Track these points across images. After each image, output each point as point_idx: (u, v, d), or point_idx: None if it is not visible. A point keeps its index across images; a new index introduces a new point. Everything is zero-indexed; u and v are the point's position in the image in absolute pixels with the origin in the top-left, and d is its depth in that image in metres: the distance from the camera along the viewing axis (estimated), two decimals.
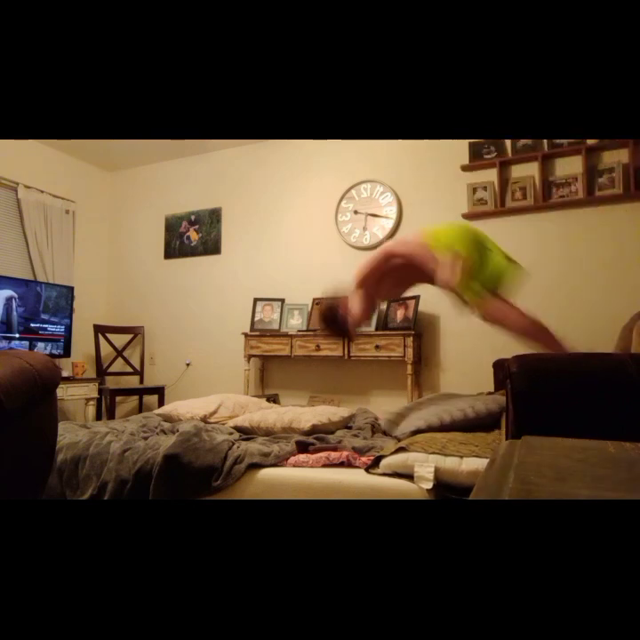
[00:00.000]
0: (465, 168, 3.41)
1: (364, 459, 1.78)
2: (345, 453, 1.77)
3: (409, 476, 1.57)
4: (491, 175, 3.33)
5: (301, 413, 2.23)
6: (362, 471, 1.67)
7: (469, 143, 3.41)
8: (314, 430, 2.13)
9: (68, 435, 1.98)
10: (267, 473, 1.73)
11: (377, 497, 1.56)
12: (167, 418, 2.57)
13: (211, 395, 2.99)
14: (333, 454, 1.78)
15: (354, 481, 1.62)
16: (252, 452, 1.79)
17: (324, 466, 1.74)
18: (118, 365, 4.30)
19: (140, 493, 1.73)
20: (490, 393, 2.46)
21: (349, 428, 2.41)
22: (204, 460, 1.74)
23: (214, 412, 2.56)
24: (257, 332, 3.72)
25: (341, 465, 1.75)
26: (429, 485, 1.52)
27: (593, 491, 0.51)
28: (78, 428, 2.19)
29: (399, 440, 1.93)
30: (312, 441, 1.94)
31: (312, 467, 1.74)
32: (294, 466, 1.76)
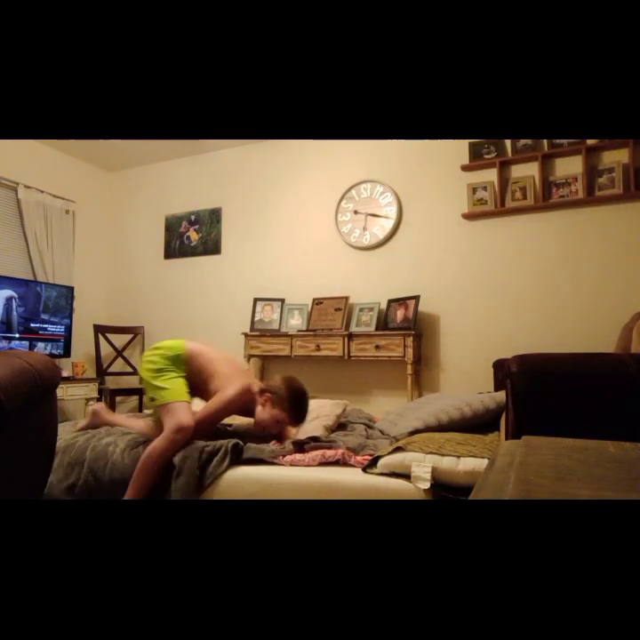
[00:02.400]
0: (465, 168, 3.41)
1: (359, 458, 1.78)
2: (340, 451, 1.78)
3: (406, 476, 1.57)
4: (491, 175, 3.33)
5: (303, 431, 2.23)
6: (359, 471, 1.67)
7: (469, 143, 3.41)
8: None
9: (65, 436, 1.98)
10: (264, 472, 1.73)
11: (374, 497, 1.56)
12: None
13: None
14: (329, 452, 1.79)
15: (351, 480, 1.62)
16: (249, 446, 1.85)
17: (320, 464, 1.75)
18: (118, 365, 4.30)
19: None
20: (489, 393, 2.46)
21: (343, 425, 2.41)
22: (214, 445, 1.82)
23: None
24: (257, 332, 3.72)
25: (337, 463, 1.75)
26: (427, 485, 1.52)
27: (593, 491, 0.51)
28: (72, 427, 2.19)
29: (396, 440, 1.93)
30: (307, 440, 1.95)
31: (308, 465, 1.75)
32: (291, 464, 1.76)
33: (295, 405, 1.96)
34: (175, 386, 1.91)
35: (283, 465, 1.76)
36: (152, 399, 1.91)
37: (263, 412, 1.96)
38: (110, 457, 1.83)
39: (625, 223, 3.01)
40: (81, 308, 4.32)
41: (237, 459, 1.78)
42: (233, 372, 2.01)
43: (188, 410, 1.86)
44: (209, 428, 1.95)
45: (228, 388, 1.91)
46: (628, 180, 2.96)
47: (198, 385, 2.00)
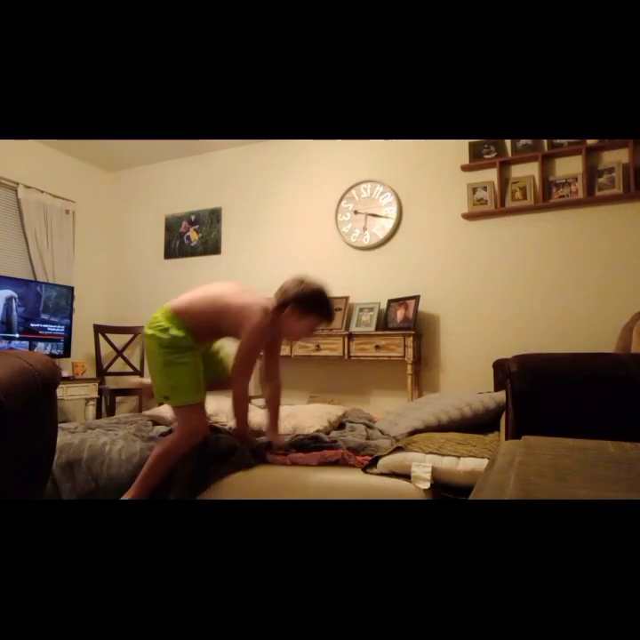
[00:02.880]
0: (465, 168, 3.41)
1: (359, 458, 1.78)
2: (340, 451, 1.78)
3: (406, 476, 1.57)
4: (491, 175, 3.33)
5: (303, 419, 2.23)
6: (359, 471, 1.67)
7: (469, 143, 3.41)
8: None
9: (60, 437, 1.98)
10: (264, 472, 1.73)
11: (374, 497, 1.56)
12: (160, 420, 2.56)
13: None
14: (328, 452, 1.79)
15: (351, 480, 1.62)
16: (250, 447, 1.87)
17: (319, 463, 1.74)
18: (118, 365, 4.30)
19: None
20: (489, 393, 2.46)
21: (343, 425, 2.42)
22: (227, 444, 1.85)
23: (213, 416, 2.56)
24: None
25: (336, 463, 1.74)
26: (427, 485, 1.52)
27: (593, 491, 0.51)
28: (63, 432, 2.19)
29: (396, 440, 1.93)
30: (307, 442, 1.95)
31: (308, 464, 1.74)
32: (292, 462, 1.76)
33: (322, 303, 1.84)
34: (185, 383, 1.78)
35: (283, 464, 1.76)
36: (166, 397, 1.80)
37: (295, 325, 1.80)
38: (107, 455, 1.83)
39: (625, 223, 3.01)
40: (81, 308, 4.32)
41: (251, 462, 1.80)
42: (239, 299, 1.82)
43: (202, 412, 1.80)
44: (249, 370, 1.85)
45: (246, 323, 1.74)
46: (628, 179, 2.96)
47: (213, 331, 1.86)
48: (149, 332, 1.84)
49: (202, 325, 1.83)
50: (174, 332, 1.79)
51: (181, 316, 1.81)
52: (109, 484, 1.77)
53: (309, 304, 1.81)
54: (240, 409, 1.90)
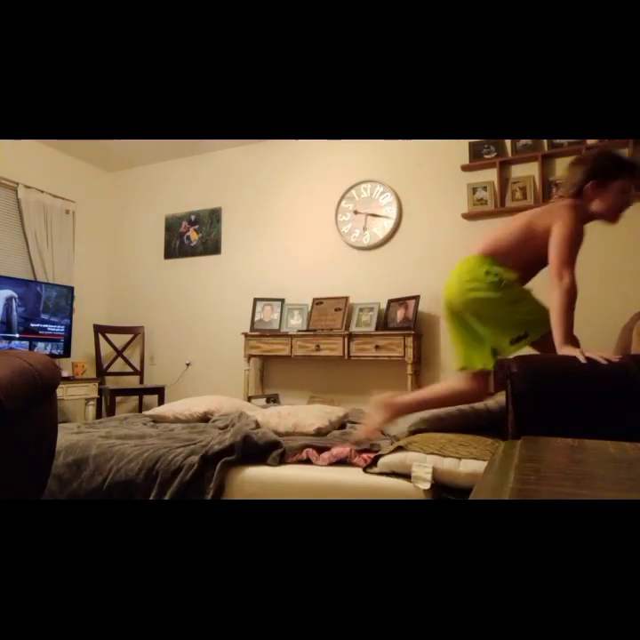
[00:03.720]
0: (465, 168, 3.41)
1: (364, 456, 1.78)
2: (347, 449, 1.78)
3: (406, 476, 1.57)
4: (491, 175, 3.33)
5: (304, 417, 2.23)
6: (360, 471, 1.67)
7: (469, 143, 3.41)
8: (318, 433, 2.14)
9: (67, 437, 1.97)
10: (264, 472, 1.73)
11: (374, 496, 1.56)
12: (160, 419, 2.57)
13: (206, 395, 2.98)
14: (336, 449, 1.78)
15: (352, 480, 1.62)
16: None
17: (331, 464, 1.74)
18: (118, 365, 4.30)
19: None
20: (489, 394, 2.46)
21: (344, 425, 2.42)
22: (268, 439, 1.86)
23: (215, 412, 2.56)
24: (257, 332, 3.72)
25: (344, 461, 1.74)
26: (427, 486, 1.51)
27: (593, 491, 0.51)
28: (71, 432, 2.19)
29: (397, 439, 1.93)
30: (311, 443, 1.95)
31: (319, 465, 1.74)
32: (306, 459, 1.78)
33: (620, 158, 1.64)
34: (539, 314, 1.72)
35: (298, 460, 1.77)
36: (522, 336, 1.68)
37: (606, 200, 1.60)
38: (116, 452, 1.83)
39: (625, 223, 2.99)
40: (81, 308, 4.32)
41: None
42: (545, 216, 1.62)
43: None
44: (572, 263, 1.60)
45: (558, 227, 1.52)
46: None
47: (533, 266, 1.67)
48: (474, 284, 1.61)
49: (520, 263, 1.63)
50: (506, 275, 1.59)
51: (499, 258, 1.60)
52: (117, 478, 1.76)
53: (608, 167, 1.58)
54: (569, 314, 1.55)
